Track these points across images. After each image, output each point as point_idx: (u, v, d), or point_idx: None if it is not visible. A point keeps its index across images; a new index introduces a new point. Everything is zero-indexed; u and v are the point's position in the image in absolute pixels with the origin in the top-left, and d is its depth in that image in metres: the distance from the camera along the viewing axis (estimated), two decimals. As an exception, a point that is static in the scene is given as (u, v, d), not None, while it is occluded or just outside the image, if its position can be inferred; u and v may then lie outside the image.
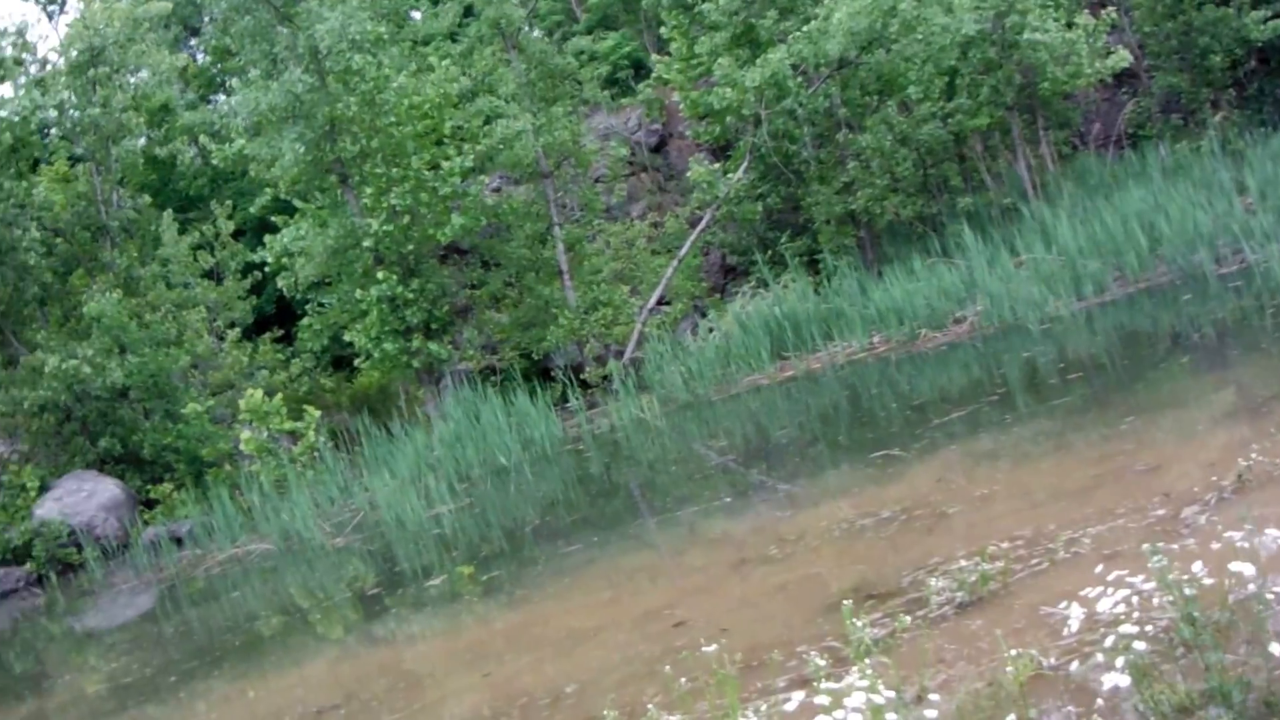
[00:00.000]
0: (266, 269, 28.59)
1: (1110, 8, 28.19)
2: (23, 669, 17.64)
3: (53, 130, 30.88)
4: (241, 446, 24.07)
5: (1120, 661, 5.52)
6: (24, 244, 27.02)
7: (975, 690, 6.22)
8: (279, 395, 24.87)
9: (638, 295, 28.34)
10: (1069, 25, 26.85)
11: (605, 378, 25.94)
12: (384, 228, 25.43)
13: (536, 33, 34.85)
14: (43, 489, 25.36)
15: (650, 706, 6.06)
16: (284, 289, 28.11)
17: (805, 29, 25.99)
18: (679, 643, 8.82)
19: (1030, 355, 18.27)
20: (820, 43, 25.73)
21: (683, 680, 7.24)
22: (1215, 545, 7.03)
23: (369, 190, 25.87)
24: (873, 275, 25.49)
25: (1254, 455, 8.98)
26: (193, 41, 46.10)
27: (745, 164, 27.66)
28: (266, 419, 23.93)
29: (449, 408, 24.46)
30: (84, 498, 25.08)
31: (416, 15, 41.09)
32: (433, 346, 25.94)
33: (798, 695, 6.04)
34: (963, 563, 8.36)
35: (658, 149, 34.99)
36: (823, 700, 5.28)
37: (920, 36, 25.59)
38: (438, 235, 26.41)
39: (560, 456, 21.83)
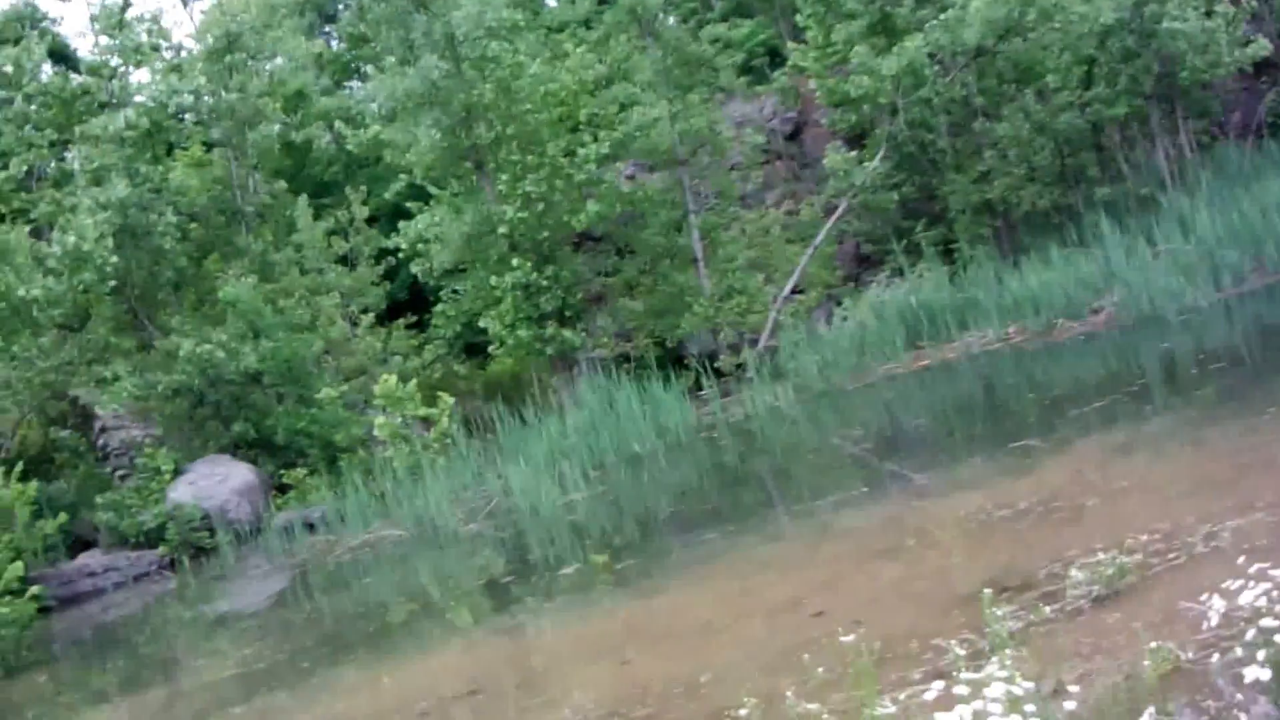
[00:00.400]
0: (400, 255, 28.94)
1: (1250, -4, 27.65)
2: (155, 653, 17.83)
3: (188, 116, 30.79)
4: (375, 432, 23.98)
5: (1261, 655, 5.51)
6: (159, 228, 27.11)
7: (1113, 684, 6.21)
8: (413, 381, 24.75)
9: (772, 283, 28.23)
10: (1208, 14, 26.31)
11: (739, 366, 25.91)
12: (519, 215, 25.56)
13: (672, 19, 34.89)
14: (177, 472, 25.35)
15: (788, 695, 6.15)
16: (418, 275, 28.49)
17: (942, 17, 25.84)
18: (814, 633, 8.85)
19: (1168, 346, 18.07)
20: (957, 31, 25.60)
21: (820, 670, 7.31)
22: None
23: (504, 177, 26.11)
24: (1009, 265, 25.24)
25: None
26: (328, 28, 46.70)
27: (881, 152, 27.52)
28: (400, 404, 23.82)
29: (583, 395, 24.47)
30: (217, 482, 25.13)
31: (552, 2, 41.41)
32: (567, 334, 26.11)
33: (936, 685, 6.09)
34: (1100, 556, 8.31)
35: (793, 137, 34.86)
36: (961, 690, 5.34)
37: (1058, 25, 25.38)
38: (572, 222, 26.61)
39: (694, 444, 21.88)
